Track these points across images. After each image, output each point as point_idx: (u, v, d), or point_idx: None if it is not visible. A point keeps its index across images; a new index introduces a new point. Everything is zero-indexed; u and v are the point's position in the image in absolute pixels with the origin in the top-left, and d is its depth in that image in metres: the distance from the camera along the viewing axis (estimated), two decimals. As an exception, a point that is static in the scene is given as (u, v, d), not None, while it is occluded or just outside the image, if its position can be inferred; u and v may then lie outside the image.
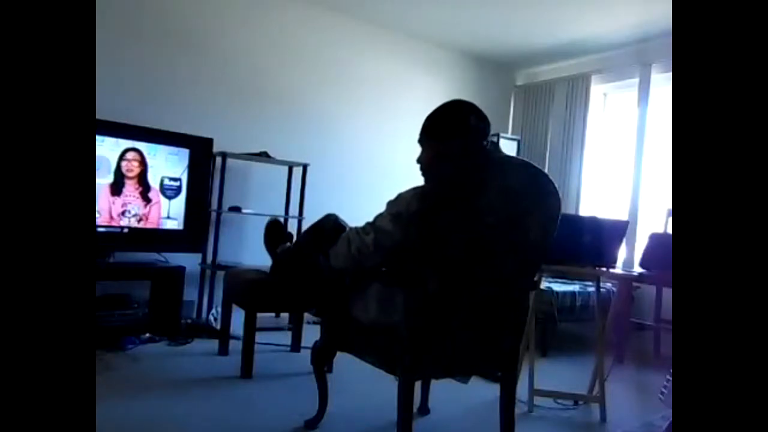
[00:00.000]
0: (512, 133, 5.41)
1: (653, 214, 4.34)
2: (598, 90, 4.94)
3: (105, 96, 3.12)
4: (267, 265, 2.86)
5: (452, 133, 1.78)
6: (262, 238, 2.53)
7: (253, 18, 4.10)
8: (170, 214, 3.47)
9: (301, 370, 2.74)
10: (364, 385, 2.60)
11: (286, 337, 3.29)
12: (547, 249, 1.85)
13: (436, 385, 2.32)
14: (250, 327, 2.72)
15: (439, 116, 1.83)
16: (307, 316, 3.32)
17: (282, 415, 2.22)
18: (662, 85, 4.45)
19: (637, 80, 4.56)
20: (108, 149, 3.21)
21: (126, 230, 3.30)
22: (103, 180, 3.20)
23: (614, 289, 3.91)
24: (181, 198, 3.50)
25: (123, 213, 3.29)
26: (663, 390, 2.05)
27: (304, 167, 4.03)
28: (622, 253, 2.97)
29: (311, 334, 2.68)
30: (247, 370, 2.69)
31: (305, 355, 2.53)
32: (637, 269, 2.88)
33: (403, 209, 1.72)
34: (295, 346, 3.19)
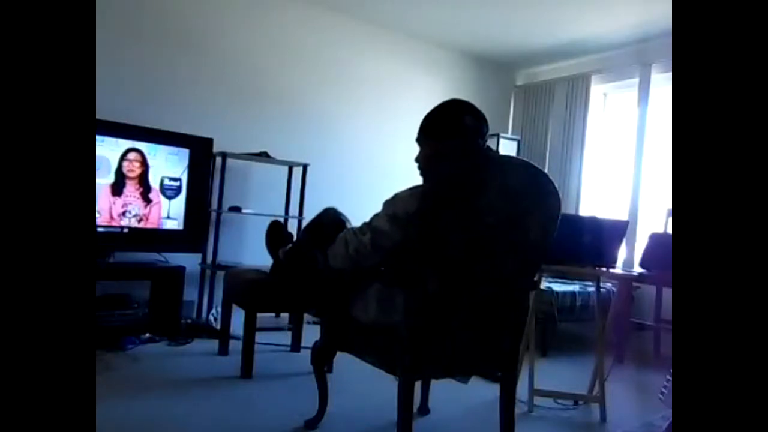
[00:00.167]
0: (512, 133, 5.40)
1: (653, 214, 4.34)
2: (598, 90, 4.94)
3: (105, 96, 3.12)
4: (267, 265, 2.86)
5: (448, 133, 1.79)
6: (262, 238, 2.53)
7: (253, 18, 4.10)
8: (170, 214, 3.47)
9: (301, 370, 2.74)
10: (364, 385, 2.60)
11: (286, 337, 3.29)
12: (547, 249, 1.85)
13: (436, 385, 2.32)
14: (250, 327, 2.72)
15: (436, 116, 1.83)
16: (307, 316, 3.33)
17: (282, 415, 2.22)
18: (662, 85, 4.45)
19: (637, 80, 4.56)
20: (108, 149, 3.21)
21: (126, 230, 3.30)
22: (104, 180, 3.20)
23: (614, 289, 3.91)
24: (181, 198, 3.50)
25: (123, 213, 3.29)
26: (663, 390, 2.05)
27: (304, 167, 4.03)
28: (622, 253, 2.97)
29: (311, 334, 2.68)
30: (247, 370, 2.69)
31: (305, 355, 2.53)
32: (637, 269, 2.88)
33: (400, 209, 1.72)
34: (295, 346, 3.19)
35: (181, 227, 3.50)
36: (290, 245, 2.46)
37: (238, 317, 2.88)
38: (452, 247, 1.71)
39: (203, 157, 3.60)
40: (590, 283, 3.81)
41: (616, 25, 4.22)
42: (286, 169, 4.14)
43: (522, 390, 2.40)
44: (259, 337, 2.84)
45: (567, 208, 4.66)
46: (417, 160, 1.87)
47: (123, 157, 3.27)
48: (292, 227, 3.99)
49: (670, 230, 3.83)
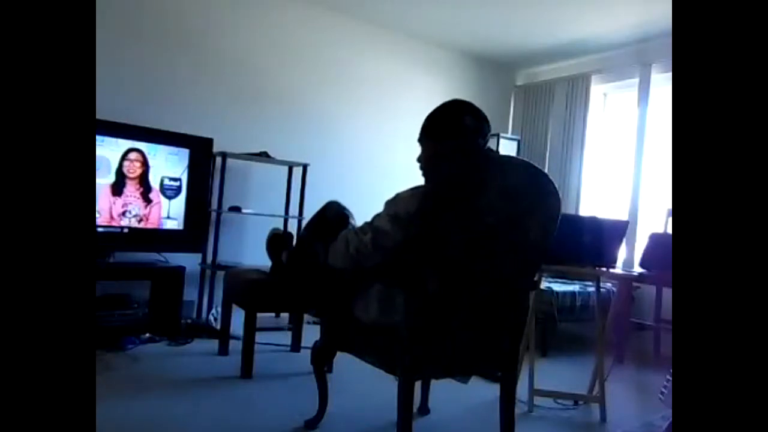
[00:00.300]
0: (512, 133, 5.40)
1: (653, 214, 4.34)
2: (598, 90, 4.94)
3: (105, 96, 3.12)
4: (267, 265, 2.86)
5: (448, 133, 1.80)
6: (262, 238, 2.53)
7: (254, 18, 4.10)
8: (170, 214, 3.47)
9: (301, 370, 2.74)
10: (364, 385, 2.60)
11: (286, 337, 3.29)
12: (547, 249, 1.85)
13: (436, 385, 2.32)
14: (250, 327, 2.72)
15: (436, 116, 1.84)
16: (307, 316, 3.33)
17: (282, 415, 2.22)
18: (662, 85, 4.45)
19: (637, 80, 4.56)
20: (108, 149, 3.21)
21: (126, 230, 3.30)
22: (104, 180, 3.20)
23: (614, 289, 3.91)
24: (181, 198, 3.50)
25: (123, 213, 3.29)
26: (663, 390, 2.05)
27: (304, 167, 4.03)
28: (622, 253, 2.97)
29: (311, 334, 2.68)
30: (247, 370, 2.69)
31: (305, 355, 2.53)
32: (637, 269, 2.88)
33: (401, 209, 1.72)
34: (295, 346, 3.19)
35: (181, 227, 3.50)
36: (293, 247, 2.46)
37: (238, 317, 2.88)
38: (452, 247, 1.71)
39: (203, 157, 3.60)
40: (590, 283, 3.81)
41: (616, 25, 4.22)
42: (286, 169, 4.14)
43: (522, 390, 2.40)
44: (259, 337, 2.84)
45: (567, 208, 4.66)
46: (419, 160, 1.88)
47: (124, 157, 3.28)
48: (292, 227, 3.99)
49: (670, 230, 3.83)
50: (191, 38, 3.83)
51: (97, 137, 3.15)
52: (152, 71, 3.68)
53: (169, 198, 3.46)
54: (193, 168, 3.53)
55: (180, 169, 3.49)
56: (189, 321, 3.55)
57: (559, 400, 2.60)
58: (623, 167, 4.72)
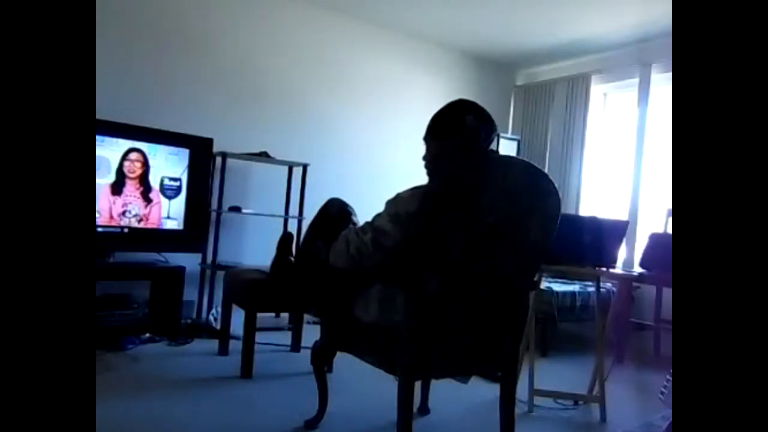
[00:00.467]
0: (512, 133, 5.41)
1: (653, 214, 4.34)
2: (598, 90, 4.94)
3: (105, 96, 3.13)
4: (267, 265, 2.87)
5: (449, 133, 1.81)
6: (262, 238, 2.56)
7: (254, 18, 4.10)
8: (170, 214, 3.47)
9: (301, 370, 2.74)
10: (364, 385, 2.60)
11: (286, 337, 3.29)
12: (547, 249, 1.85)
13: (436, 385, 2.32)
14: (250, 327, 2.72)
15: (439, 115, 1.86)
16: (307, 316, 3.33)
17: (282, 415, 2.22)
18: (662, 85, 4.45)
19: (637, 80, 4.56)
20: (108, 149, 3.21)
21: (126, 230, 3.30)
22: (104, 180, 3.20)
23: (614, 289, 3.91)
24: (181, 198, 3.50)
25: (123, 213, 3.29)
26: (663, 390, 2.06)
27: (304, 167, 4.03)
28: (622, 253, 2.97)
29: (311, 334, 2.68)
30: (247, 370, 2.69)
31: (305, 355, 2.53)
32: (637, 269, 2.88)
33: (402, 209, 1.73)
34: (295, 346, 3.19)
35: (181, 227, 3.50)
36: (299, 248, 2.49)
37: (238, 317, 2.88)
38: (452, 247, 1.71)
39: (203, 157, 3.60)
40: (590, 283, 3.81)
41: (616, 25, 4.22)
42: (286, 169, 4.14)
43: (522, 390, 2.40)
44: (259, 337, 2.84)
45: (567, 208, 4.66)
46: (424, 158, 1.89)
47: (124, 157, 3.28)
48: (292, 227, 3.99)
49: (670, 230, 3.83)
50: (191, 38, 3.83)
51: (97, 137, 3.14)
52: (152, 71, 3.68)
53: (169, 198, 3.46)
54: (193, 168, 3.53)
55: (180, 169, 3.49)
56: (189, 321, 3.55)
57: (559, 400, 2.60)
58: (623, 167, 4.72)
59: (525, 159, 1.89)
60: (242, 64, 4.05)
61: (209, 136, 3.61)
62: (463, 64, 5.22)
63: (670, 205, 3.88)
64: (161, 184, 3.42)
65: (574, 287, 3.83)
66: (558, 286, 3.76)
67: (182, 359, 2.93)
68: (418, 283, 1.70)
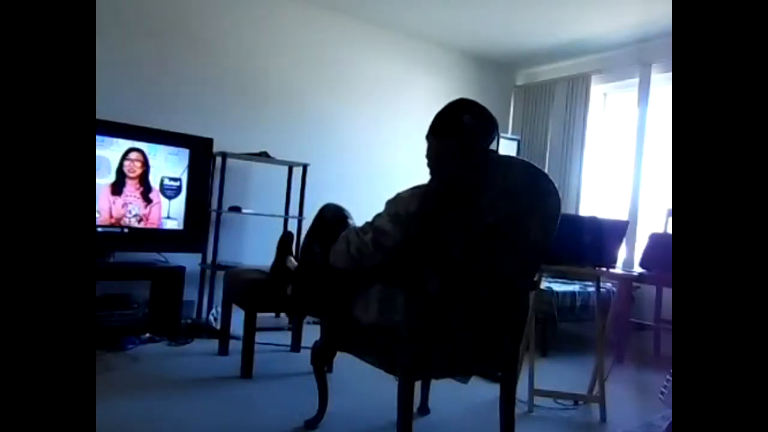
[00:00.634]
0: (512, 133, 5.40)
1: (653, 214, 4.34)
2: (598, 90, 4.94)
3: (105, 96, 3.12)
4: (267, 265, 2.87)
5: (446, 131, 1.82)
6: (262, 238, 2.55)
7: (254, 18, 4.10)
8: (170, 214, 3.47)
9: (301, 370, 2.74)
10: (364, 385, 2.60)
11: (286, 337, 3.29)
12: (547, 249, 1.85)
13: (436, 385, 2.32)
14: (250, 327, 2.72)
15: (440, 114, 1.86)
16: (307, 316, 3.33)
17: (282, 415, 2.22)
18: (662, 85, 4.45)
19: (637, 80, 4.56)
20: (108, 149, 3.22)
21: (126, 230, 3.30)
22: (103, 180, 3.20)
23: (614, 289, 3.91)
24: (181, 198, 3.50)
25: (123, 213, 3.29)
26: (663, 390, 2.06)
27: (304, 167, 4.03)
28: (622, 253, 2.97)
29: (311, 334, 2.68)
30: (247, 370, 2.69)
31: (305, 355, 2.53)
32: (637, 269, 2.88)
33: (402, 209, 1.73)
34: (295, 346, 3.19)
35: (181, 227, 3.50)
36: (292, 258, 2.49)
37: (238, 317, 2.88)
38: (452, 247, 1.71)
39: (203, 157, 3.60)
40: (590, 283, 3.81)
41: (616, 25, 4.22)
42: (286, 169, 4.14)
43: (522, 390, 2.41)
44: (259, 337, 2.84)
45: (567, 208, 4.66)
46: (427, 156, 1.90)
47: (124, 157, 3.28)
48: (292, 227, 3.99)
49: (670, 230, 3.83)
50: (191, 38, 3.83)
51: (97, 137, 3.14)
52: (152, 71, 3.68)
53: (169, 198, 3.46)
54: (193, 168, 3.53)
55: (180, 169, 3.49)
56: (189, 321, 3.55)
57: (559, 400, 2.60)
58: (623, 167, 4.72)
59: (525, 159, 1.89)
60: (242, 64, 4.05)
61: (209, 136, 3.61)
62: (463, 64, 5.23)
63: (670, 205, 3.88)
64: (161, 184, 3.42)
65: (574, 287, 3.83)
66: (558, 286, 3.76)
67: (182, 359, 2.93)
68: (418, 283, 1.70)
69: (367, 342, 1.92)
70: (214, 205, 3.75)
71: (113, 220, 3.25)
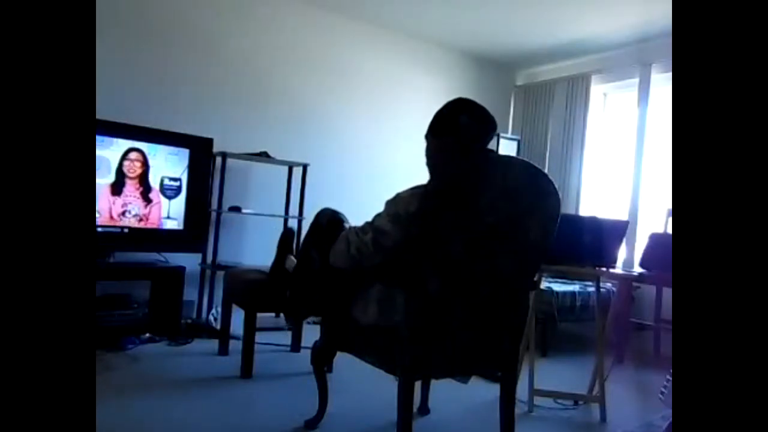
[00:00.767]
0: (512, 133, 5.41)
1: (653, 214, 4.34)
2: (598, 90, 4.94)
3: (105, 96, 3.12)
4: (267, 265, 2.86)
5: (444, 130, 1.82)
6: (262, 238, 2.55)
7: (254, 18, 4.10)
8: (170, 214, 3.47)
9: (301, 370, 2.74)
10: (364, 385, 2.60)
11: (286, 337, 3.29)
12: (547, 249, 1.85)
13: (436, 385, 2.32)
14: (250, 327, 2.72)
15: (438, 113, 1.87)
16: (304, 320, 3.32)
17: (282, 415, 2.22)
18: (662, 85, 4.45)
19: (637, 80, 4.56)
20: (108, 149, 3.21)
21: (126, 230, 3.30)
22: (103, 180, 3.20)
23: (614, 289, 3.91)
24: (181, 198, 3.50)
25: (123, 213, 3.29)
26: (663, 390, 2.06)
27: (304, 167, 4.03)
28: (622, 253, 2.97)
29: (311, 334, 2.68)
30: (247, 370, 2.69)
31: (305, 355, 2.53)
32: (637, 269, 2.88)
33: (402, 209, 1.73)
34: (295, 346, 3.19)
35: (181, 227, 3.50)
36: (292, 257, 2.49)
37: (238, 317, 2.88)
38: (452, 247, 1.71)
39: (203, 157, 3.60)
40: (590, 283, 3.81)
41: (616, 25, 4.22)
42: (286, 169, 4.14)
43: (522, 390, 2.41)
44: (259, 337, 2.84)
45: (567, 208, 4.66)
46: (426, 155, 1.90)
47: (124, 157, 3.28)
48: (292, 227, 3.99)
49: (670, 230, 3.83)
50: (191, 38, 3.83)
51: (97, 137, 3.14)
52: (152, 71, 3.68)
53: (169, 198, 3.46)
54: (193, 168, 3.53)
55: (180, 169, 3.49)
56: (189, 321, 3.55)
57: (559, 400, 2.60)
58: (623, 167, 4.72)
59: (525, 159, 1.89)
60: (242, 64, 4.05)
61: (209, 136, 3.61)
62: (463, 64, 5.23)
63: (670, 205, 3.88)
64: (161, 184, 3.42)
65: (574, 287, 3.83)
66: (558, 286, 3.76)
67: (182, 359, 2.93)
68: (418, 283, 1.70)
69: (367, 342, 1.92)
70: (214, 205, 3.75)
71: (113, 220, 3.25)
